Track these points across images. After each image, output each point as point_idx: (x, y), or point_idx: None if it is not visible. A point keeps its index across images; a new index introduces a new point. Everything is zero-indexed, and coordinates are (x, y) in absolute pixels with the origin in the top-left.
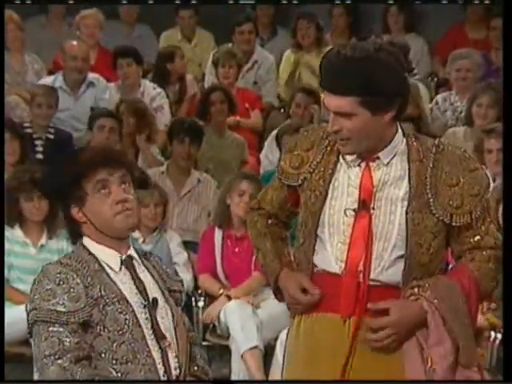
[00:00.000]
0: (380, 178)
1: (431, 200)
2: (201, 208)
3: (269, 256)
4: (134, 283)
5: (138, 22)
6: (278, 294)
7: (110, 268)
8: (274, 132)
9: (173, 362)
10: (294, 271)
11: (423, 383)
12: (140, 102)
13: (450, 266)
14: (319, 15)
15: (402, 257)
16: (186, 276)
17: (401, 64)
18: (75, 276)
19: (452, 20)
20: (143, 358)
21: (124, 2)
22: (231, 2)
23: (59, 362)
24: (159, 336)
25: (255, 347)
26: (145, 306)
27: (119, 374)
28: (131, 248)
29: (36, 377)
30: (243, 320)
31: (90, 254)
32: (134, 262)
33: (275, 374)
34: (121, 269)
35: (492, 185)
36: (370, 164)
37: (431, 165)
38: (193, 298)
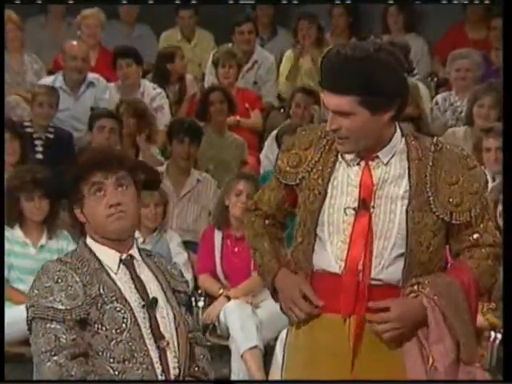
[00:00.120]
0: (380, 176)
1: (431, 198)
2: (201, 208)
3: (266, 256)
4: (134, 283)
5: (138, 22)
6: (275, 295)
7: (110, 267)
8: (274, 132)
9: (171, 362)
10: (292, 271)
11: (423, 383)
12: (140, 102)
13: (449, 264)
14: (319, 15)
15: (401, 255)
16: (186, 276)
17: (401, 64)
18: (74, 274)
19: (452, 20)
20: (141, 357)
21: (124, 2)
22: (231, 2)
23: (55, 358)
24: (157, 336)
25: (255, 347)
26: (143, 306)
27: (116, 373)
28: (134, 248)
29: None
30: (243, 320)
31: (91, 252)
32: (135, 261)
33: (275, 373)
34: (119, 268)
35: (490, 185)
36: (370, 163)
37: (431, 163)
38: (193, 298)
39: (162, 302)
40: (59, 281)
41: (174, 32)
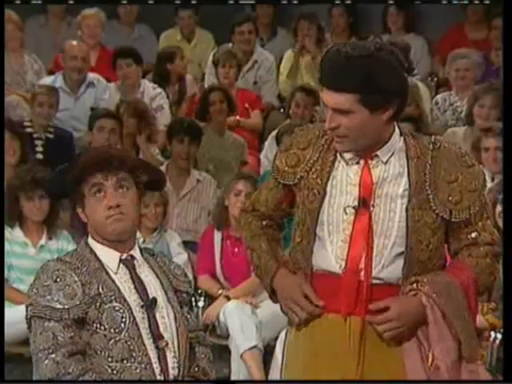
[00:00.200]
0: (379, 175)
1: (431, 196)
2: (200, 208)
3: (264, 256)
4: (133, 283)
5: (137, 22)
6: (273, 296)
7: (110, 267)
8: (274, 132)
9: (171, 362)
10: (290, 271)
11: (423, 383)
12: (140, 102)
13: (448, 263)
14: (319, 15)
15: (401, 254)
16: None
17: (401, 63)
18: (73, 274)
19: (452, 20)
20: (139, 357)
21: (124, 2)
22: (231, 2)
23: (52, 356)
24: (156, 336)
25: (254, 347)
26: (142, 306)
27: (115, 372)
28: (135, 248)
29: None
30: (242, 320)
31: (92, 252)
32: (135, 261)
33: (275, 373)
34: (119, 268)
35: (489, 185)
36: (369, 162)
37: (429, 161)
38: (193, 298)
39: (162, 302)
40: (58, 280)
41: (173, 32)
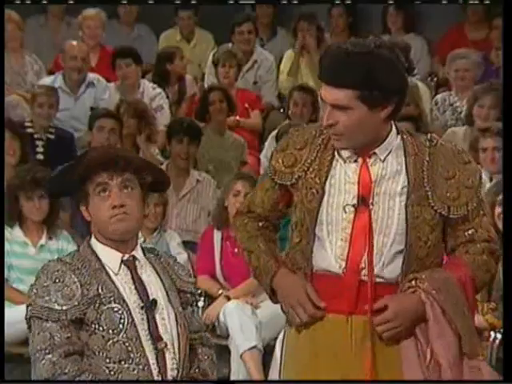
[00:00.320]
0: (377, 173)
1: (429, 193)
2: (200, 208)
3: (263, 257)
4: (134, 284)
5: (137, 22)
6: (273, 296)
7: (111, 268)
8: (274, 132)
9: (170, 364)
10: (291, 271)
11: (424, 383)
12: (140, 102)
13: (445, 260)
14: (319, 15)
15: (400, 252)
16: None
17: (401, 61)
18: (72, 275)
19: (452, 20)
20: (137, 358)
21: (124, 2)
22: (231, 2)
23: (49, 356)
24: (155, 337)
25: (254, 347)
26: (142, 307)
27: (112, 373)
28: (137, 248)
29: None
30: (242, 320)
31: (93, 253)
32: (137, 262)
33: (275, 373)
34: (120, 269)
35: (487, 185)
36: (367, 160)
37: (427, 158)
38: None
39: (163, 303)
40: (57, 281)
41: (173, 32)
